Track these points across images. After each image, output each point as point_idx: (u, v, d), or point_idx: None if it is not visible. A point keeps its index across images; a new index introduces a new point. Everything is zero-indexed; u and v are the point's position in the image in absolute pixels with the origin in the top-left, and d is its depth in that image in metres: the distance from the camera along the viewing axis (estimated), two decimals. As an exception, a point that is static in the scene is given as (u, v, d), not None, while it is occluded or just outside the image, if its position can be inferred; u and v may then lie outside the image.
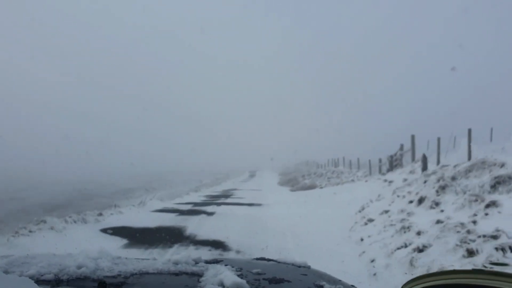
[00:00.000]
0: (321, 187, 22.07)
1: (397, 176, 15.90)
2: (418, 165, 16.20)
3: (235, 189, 25.20)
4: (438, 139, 15.60)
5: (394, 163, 20.60)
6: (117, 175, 45.04)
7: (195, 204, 14.69)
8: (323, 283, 1.47)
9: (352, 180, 23.32)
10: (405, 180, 13.68)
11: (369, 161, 25.71)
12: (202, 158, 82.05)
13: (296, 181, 31.99)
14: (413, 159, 18.07)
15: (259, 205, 13.63)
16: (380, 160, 23.17)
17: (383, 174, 18.85)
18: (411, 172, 15.43)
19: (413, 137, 18.26)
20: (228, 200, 15.98)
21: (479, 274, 0.86)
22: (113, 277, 1.39)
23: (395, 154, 20.72)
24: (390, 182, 14.74)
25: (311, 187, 24.84)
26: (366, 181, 18.12)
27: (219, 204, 14.00)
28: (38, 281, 1.25)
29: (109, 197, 20.68)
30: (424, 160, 13.48)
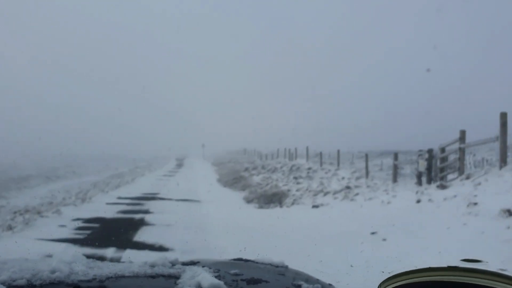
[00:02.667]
0: (316, 205, 12.38)
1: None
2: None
3: (154, 197, 15.09)
4: None
5: (440, 164, 11.72)
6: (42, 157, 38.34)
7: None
8: (301, 282, 1.40)
9: (348, 188, 14.26)
10: None
11: (366, 155, 16.81)
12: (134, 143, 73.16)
13: (243, 179, 22.48)
14: (504, 160, 9.26)
15: None
16: (395, 157, 14.28)
17: (441, 186, 9.79)
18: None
19: (504, 117, 9.41)
20: (129, 258, 6.04)
21: (454, 271, 0.85)
22: (88, 281, 1.29)
23: (442, 150, 11.83)
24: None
25: (279, 195, 15.40)
26: (418, 201, 8.99)
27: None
28: (10, 287, 1.19)
29: (-1, 186, 16.05)
30: None
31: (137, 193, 16.04)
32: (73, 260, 1.46)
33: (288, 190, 16.63)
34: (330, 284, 1.55)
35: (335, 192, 13.91)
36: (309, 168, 21.65)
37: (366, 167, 16.34)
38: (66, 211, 10.90)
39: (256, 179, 22.78)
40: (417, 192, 9.76)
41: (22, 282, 1.25)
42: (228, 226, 8.71)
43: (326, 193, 14.20)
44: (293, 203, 13.71)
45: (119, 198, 14.55)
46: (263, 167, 28.91)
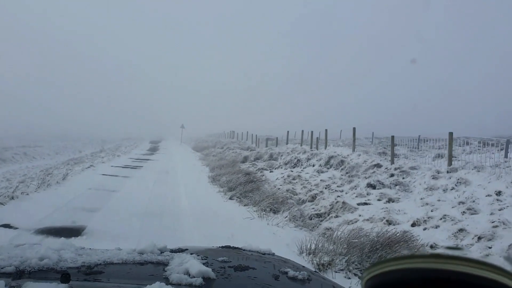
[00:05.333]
0: None
1: None
2: None
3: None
4: None
5: None
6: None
7: None
8: (287, 269, 1.44)
9: None
10: None
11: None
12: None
13: (258, 180, 12.74)
14: None
15: None
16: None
17: None
18: None
19: None
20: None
21: (437, 258, 0.82)
22: (77, 268, 1.31)
23: None
24: None
25: (393, 245, 5.88)
26: None
27: None
28: None
29: None
30: None
31: (37, 222, 6.38)
32: (62, 247, 1.44)
33: (389, 222, 7.30)
34: (315, 271, 1.61)
35: None
36: (378, 165, 12.18)
37: None
38: None
39: (271, 176, 13.48)
40: None
41: (11, 269, 1.22)
42: None
43: None
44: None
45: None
46: (271, 157, 19.61)
